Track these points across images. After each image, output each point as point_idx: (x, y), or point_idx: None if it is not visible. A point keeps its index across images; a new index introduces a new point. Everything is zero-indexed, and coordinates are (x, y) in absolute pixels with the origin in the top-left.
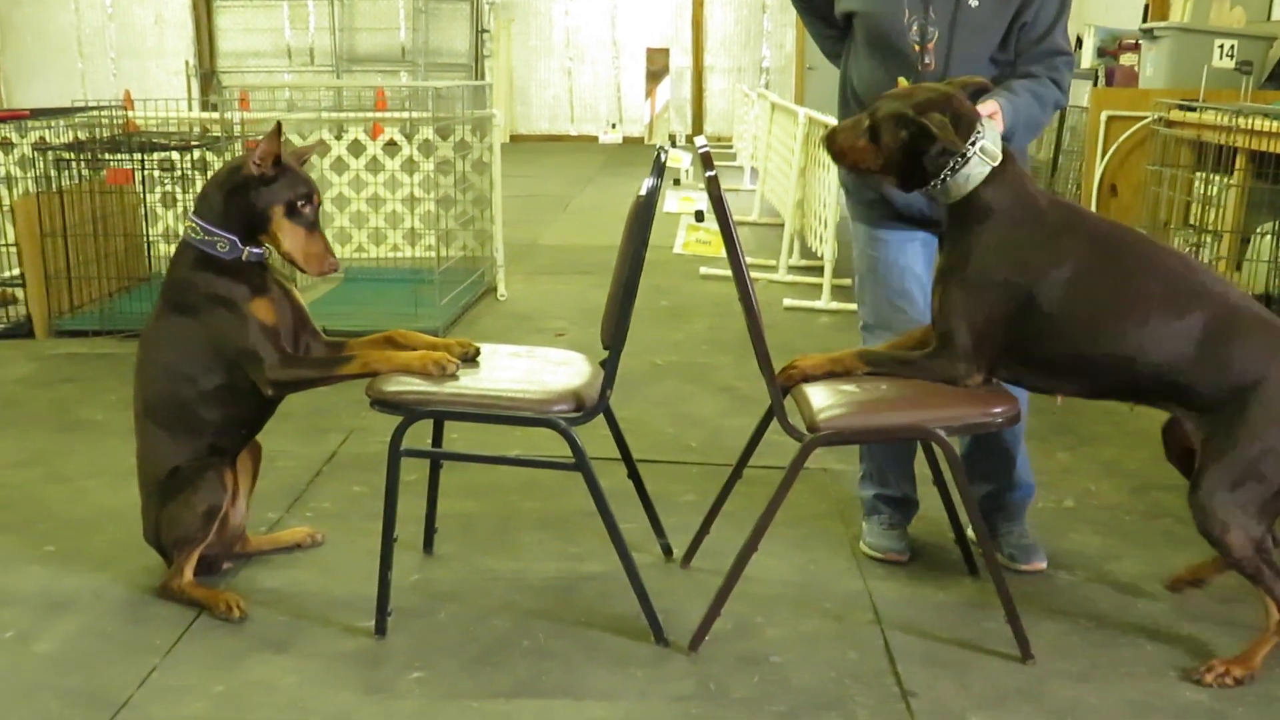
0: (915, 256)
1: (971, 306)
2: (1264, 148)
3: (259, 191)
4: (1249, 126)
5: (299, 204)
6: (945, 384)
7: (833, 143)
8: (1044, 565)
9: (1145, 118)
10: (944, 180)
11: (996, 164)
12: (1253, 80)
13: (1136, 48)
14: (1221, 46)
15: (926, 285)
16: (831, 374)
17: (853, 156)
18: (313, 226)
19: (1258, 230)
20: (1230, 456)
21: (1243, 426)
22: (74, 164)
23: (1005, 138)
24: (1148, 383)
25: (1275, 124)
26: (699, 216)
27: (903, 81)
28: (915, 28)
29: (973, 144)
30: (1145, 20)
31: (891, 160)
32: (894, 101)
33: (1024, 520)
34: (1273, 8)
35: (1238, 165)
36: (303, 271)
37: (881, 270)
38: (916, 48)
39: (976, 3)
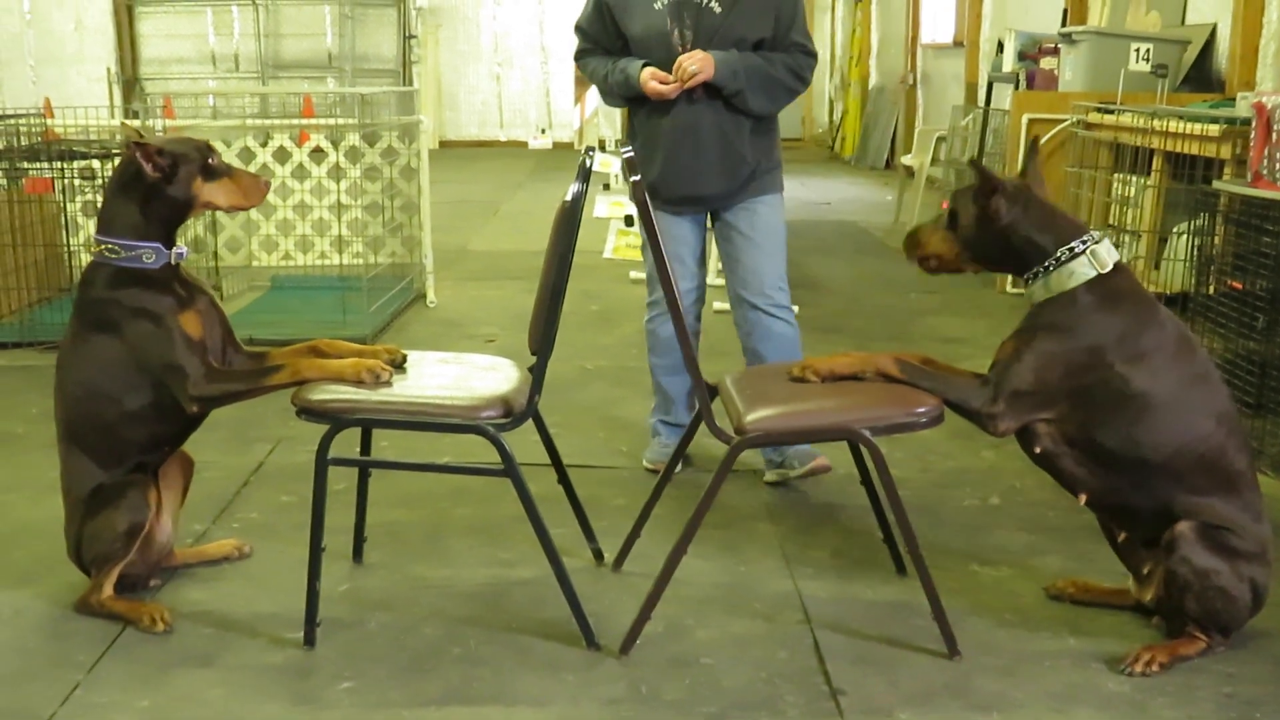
0: (684, 228)
1: (1049, 362)
2: (1179, 149)
3: (173, 184)
4: (1165, 128)
5: (209, 163)
6: (968, 415)
7: (910, 241)
8: (824, 461)
9: (1065, 120)
10: (1047, 269)
11: (1105, 270)
12: (1168, 83)
13: (1056, 51)
14: (1138, 50)
15: (696, 250)
16: (856, 375)
17: (934, 248)
18: (230, 169)
19: (1174, 230)
20: None
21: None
22: None
23: (723, 84)
24: (1159, 485)
25: (1190, 126)
26: (629, 221)
27: None
28: (677, 33)
29: (1082, 245)
30: (1064, 24)
31: (974, 241)
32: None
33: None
34: (1187, 12)
35: (1155, 166)
36: (250, 207)
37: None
38: (681, 49)
39: (719, 9)
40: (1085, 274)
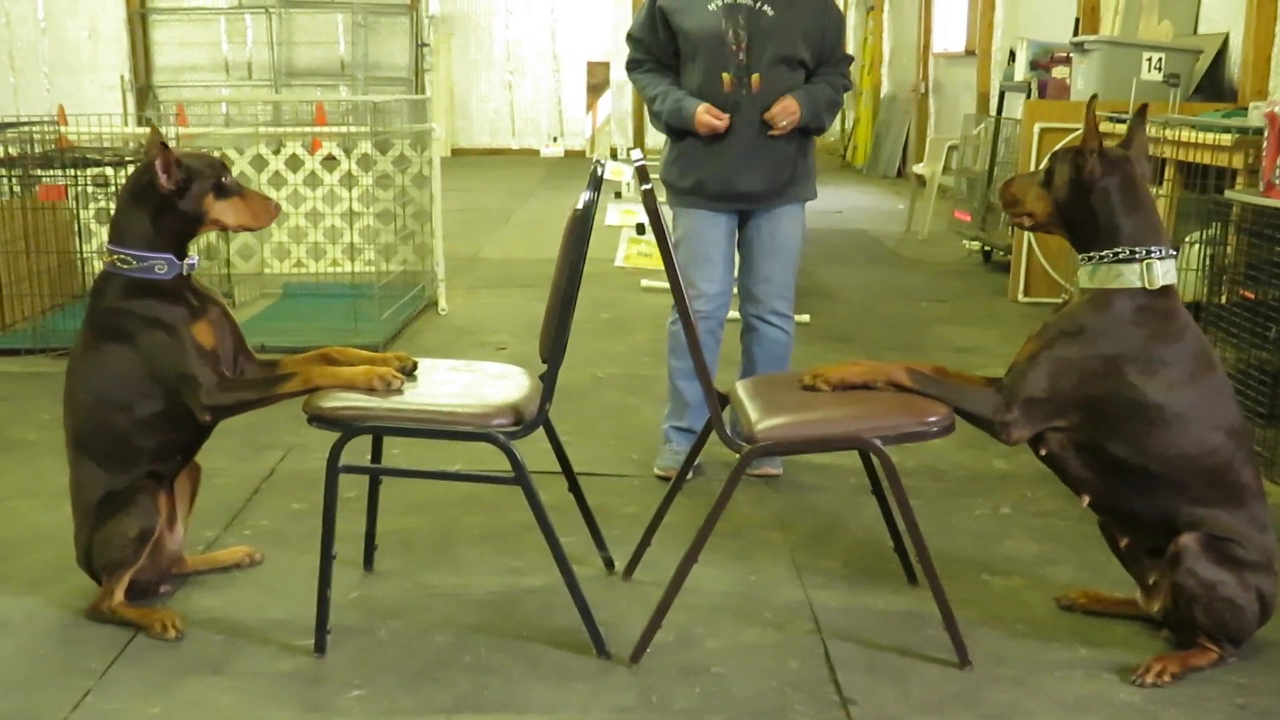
0: (719, 229)
1: (1064, 369)
2: (1192, 159)
3: (185, 198)
4: (1177, 138)
5: (222, 181)
6: (981, 424)
7: (1006, 190)
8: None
9: (1077, 129)
10: (1102, 258)
11: (1152, 288)
12: (1180, 92)
13: (1068, 61)
14: (1150, 59)
15: (726, 253)
16: (867, 385)
17: (1025, 205)
18: (241, 190)
19: (1187, 240)
20: None
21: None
22: (5, 180)
23: (809, 122)
24: (1164, 495)
25: (1202, 135)
26: (640, 229)
27: (726, 77)
28: (731, 33)
29: (1146, 253)
30: (1076, 34)
31: (1064, 202)
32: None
33: None
34: (1199, 21)
35: (1167, 176)
36: (257, 229)
37: (690, 239)
38: (734, 48)
39: (772, 11)
40: (1130, 282)
